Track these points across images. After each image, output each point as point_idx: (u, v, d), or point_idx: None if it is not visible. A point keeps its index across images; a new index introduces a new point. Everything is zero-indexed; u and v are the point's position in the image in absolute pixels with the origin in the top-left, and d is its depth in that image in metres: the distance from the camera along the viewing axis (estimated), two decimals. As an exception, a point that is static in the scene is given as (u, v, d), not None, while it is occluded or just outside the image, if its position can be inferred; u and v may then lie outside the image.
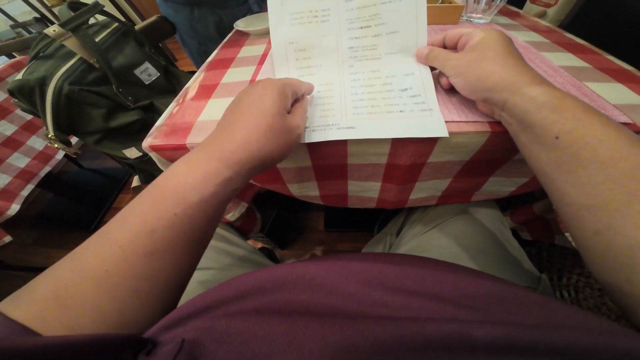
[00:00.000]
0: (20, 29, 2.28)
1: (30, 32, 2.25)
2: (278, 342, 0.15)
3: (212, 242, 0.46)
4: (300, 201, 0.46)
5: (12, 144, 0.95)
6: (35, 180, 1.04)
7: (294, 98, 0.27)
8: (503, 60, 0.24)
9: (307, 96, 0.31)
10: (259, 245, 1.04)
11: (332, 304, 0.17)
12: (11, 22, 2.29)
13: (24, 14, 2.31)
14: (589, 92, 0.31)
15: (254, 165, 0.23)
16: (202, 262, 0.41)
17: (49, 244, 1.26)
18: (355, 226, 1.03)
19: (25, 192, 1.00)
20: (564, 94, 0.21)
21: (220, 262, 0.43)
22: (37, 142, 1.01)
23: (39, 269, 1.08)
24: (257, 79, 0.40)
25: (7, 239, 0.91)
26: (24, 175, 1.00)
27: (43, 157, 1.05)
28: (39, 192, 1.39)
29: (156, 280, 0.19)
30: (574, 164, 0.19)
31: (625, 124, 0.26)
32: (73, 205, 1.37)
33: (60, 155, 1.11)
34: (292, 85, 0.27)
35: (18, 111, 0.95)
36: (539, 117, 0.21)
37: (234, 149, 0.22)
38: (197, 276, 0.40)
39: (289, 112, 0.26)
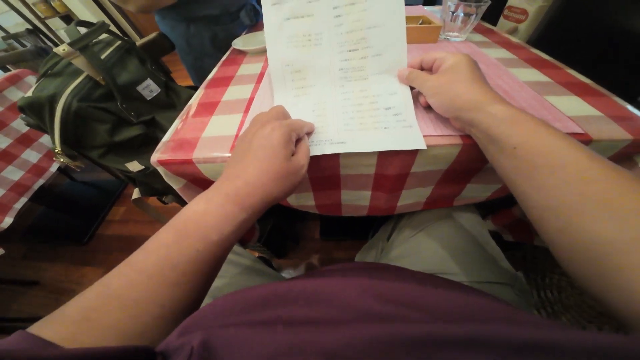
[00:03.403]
0: (11, 41, 2.28)
1: (22, 44, 2.24)
2: (283, 346, 0.16)
3: None
4: (297, 211, 0.48)
5: (7, 157, 0.95)
6: (29, 194, 1.04)
7: (297, 138, 0.29)
8: (469, 83, 0.27)
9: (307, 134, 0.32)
10: (256, 254, 1.05)
11: (330, 314, 0.19)
12: (3, 34, 2.29)
13: (18, 25, 2.31)
14: (548, 105, 0.35)
15: (264, 207, 0.26)
16: None
17: (40, 258, 1.24)
18: (350, 234, 1.06)
19: (18, 205, 1.00)
20: (518, 111, 0.24)
21: (226, 271, 0.45)
22: (31, 155, 1.01)
23: (29, 283, 1.06)
24: (255, 96, 0.43)
25: (0, 251, 0.91)
26: (18, 189, 0.99)
27: (37, 170, 1.05)
28: (29, 205, 1.37)
29: (177, 307, 0.22)
30: (532, 170, 0.22)
31: (578, 134, 0.30)
32: (65, 217, 1.36)
33: (54, 167, 1.11)
34: (297, 129, 0.29)
35: (13, 124, 0.96)
36: (499, 131, 0.24)
37: (248, 193, 0.24)
38: None
39: (294, 153, 0.28)
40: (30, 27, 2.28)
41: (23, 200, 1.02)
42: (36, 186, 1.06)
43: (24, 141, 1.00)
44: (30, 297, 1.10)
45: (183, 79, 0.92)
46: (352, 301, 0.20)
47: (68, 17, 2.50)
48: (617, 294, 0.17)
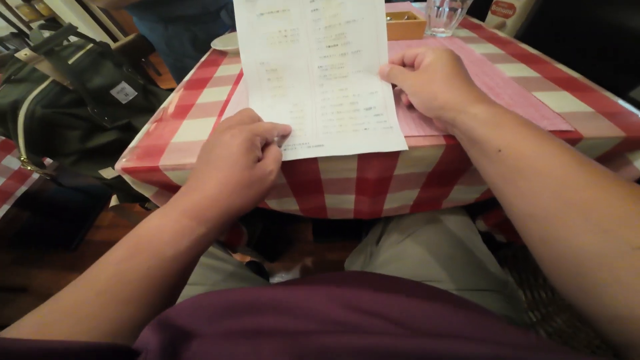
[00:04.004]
0: (-4, 44, 2.23)
1: (7, 48, 2.21)
2: (240, 358, 0.16)
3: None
4: (287, 214, 0.46)
5: (-14, 164, 0.93)
6: (11, 200, 1.02)
7: (264, 143, 0.27)
8: (450, 80, 0.26)
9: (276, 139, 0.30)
10: (248, 259, 1.03)
11: (296, 324, 0.19)
12: (-14, 38, 2.24)
13: (2, 29, 2.27)
14: (535, 101, 0.33)
15: (226, 219, 0.24)
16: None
17: (28, 264, 1.22)
18: (343, 235, 1.04)
19: (0, 213, 0.98)
20: (503, 110, 0.23)
21: (207, 277, 0.44)
22: (12, 162, 0.99)
23: (18, 289, 1.04)
24: (231, 99, 0.41)
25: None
26: (0, 196, 0.97)
27: (19, 176, 1.03)
28: (16, 211, 1.35)
29: (131, 324, 0.20)
30: (516, 174, 0.20)
31: (567, 131, 0.29)
32: (52, 223, 1.34)
33: (37, 174, 1.08)
34: (263, 132, 0.27)
35: (-8, 131, 0.93)
36: (482, 133, 0.22)
37: (206, 206, 0.23)
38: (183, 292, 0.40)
39: (260, 159, 0.26)
40: (15, 30, 2.24)
41: (5, 207, 1.01)
42: (19, 193, 1.04)
43: (4, 147, 0.97)
44: (18, 304, 1.08)
45: (172, 82, 0.90)
46: (319, 310, 0.20)
47: (53, 20, 2.45)
48: (600, 310, 0.16)
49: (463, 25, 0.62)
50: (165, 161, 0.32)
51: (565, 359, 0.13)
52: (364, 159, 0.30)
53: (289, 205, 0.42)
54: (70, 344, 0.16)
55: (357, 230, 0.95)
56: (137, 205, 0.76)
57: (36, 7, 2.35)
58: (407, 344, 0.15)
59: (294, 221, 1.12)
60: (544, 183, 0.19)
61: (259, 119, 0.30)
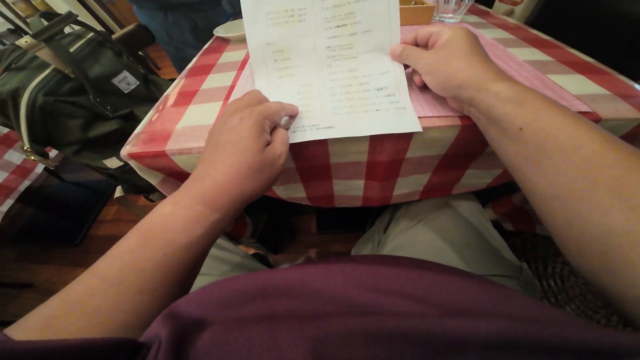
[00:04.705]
0: (-7, 41, 2.21)
1: (4, 44, 2.18)
2: (257, 345, 0.15)
3: None
4: (292, 204, 0.46)
5: (-12, 159, 0.92)
6: (15, 195, 1.01)
7: (273, 125, 0.27)
8: (469, 58, 0.25)
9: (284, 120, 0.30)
10: (252, 251, 1.02)
11: (312, 307, 0.18)
12: (-16, 35, 2.21)
13: (-2, 25, 2.24)
14: (551, 84, 0.32)
15: (239, 205, 0.24)
16: None
17: (33, 260, 1.22)
18: (347, 227, 1.03)
19: (4, 208, 0.97)
20: (525, 88, 0.22)
21: (213, 268, 0.43)
22: (14, 156, 0.98)
23: (22, 285, 1.04)
24: (237, 84, 0.40)
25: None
26: (2, 191, 0.96)
27: (21, 171, 1.01)
28: (20, 207, 1.36)
29: (143, 315, 0.20)
30: (539, 154, 0.20)
31: (585, 113, 0.28)
32: (56, 219, 1.34)
33: (39, 168, 1.08)
34: (272, 114, 0.26)
35: (-7, 125, 0.92)
36: (503, 111, 0.21)
37: (218, 193, 0.22)
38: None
39: (269, 142, 0.25)
40: (12, 26, 2.21)
41: (9, 202, 0.99)
42: (22, 188, 1.03)
43: (5, 142, 0.96)
44: (24, 300, 1.08)
45: (172, 75, 0.89)
46: (336, 292, 0.19)
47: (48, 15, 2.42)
48: (627, 290, 0.16)
49: (471, 11, 0.61)
50: (171, 146, 0.31)
51: (605, 332, 0.13)
52: (376, 140, 0.29)
53: (296, 192, 0.42)
54: (68, 343, 0.15)
55: (362, 221, 0.95)
56: (141, 197, 0.75)
57: (32, 2, 2.32)
58: (436, 324, 0.15)
59: (297, 212, 1.12)
60: (570, 161, 0.18)
61: (266, 101, 0.29)
